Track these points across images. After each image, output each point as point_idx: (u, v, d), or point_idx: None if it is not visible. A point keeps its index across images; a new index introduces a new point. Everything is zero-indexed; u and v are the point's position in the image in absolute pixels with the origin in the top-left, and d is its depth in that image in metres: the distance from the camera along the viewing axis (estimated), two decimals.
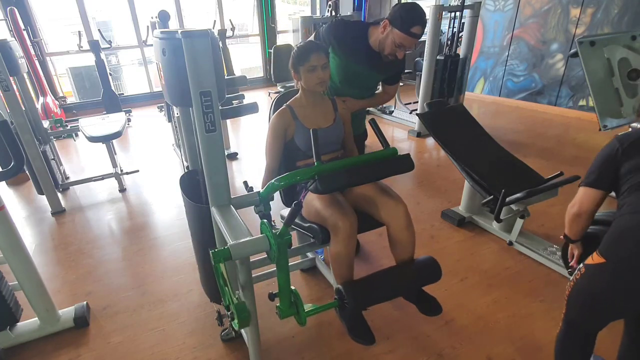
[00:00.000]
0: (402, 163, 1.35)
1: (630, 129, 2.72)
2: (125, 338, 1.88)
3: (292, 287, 1.38)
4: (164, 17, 4.16)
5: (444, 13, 4.08)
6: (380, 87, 2.19)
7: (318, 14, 7.58)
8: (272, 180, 1.37)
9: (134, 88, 7.26)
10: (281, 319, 1.39)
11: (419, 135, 4.56)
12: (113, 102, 5.11)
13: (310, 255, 2.28)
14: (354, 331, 1.46)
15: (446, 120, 2.49)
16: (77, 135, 4.83)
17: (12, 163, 1.57)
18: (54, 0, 6.63)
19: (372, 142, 4.42)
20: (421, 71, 4.41)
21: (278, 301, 1.38)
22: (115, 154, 3.52)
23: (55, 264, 2.52)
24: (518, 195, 2.12)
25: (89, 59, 5.34)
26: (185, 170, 1.87)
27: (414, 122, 4.74)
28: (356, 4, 6.95)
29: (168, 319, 1.99)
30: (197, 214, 1.59)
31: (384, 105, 5.62)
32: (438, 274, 1.49)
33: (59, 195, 3.29)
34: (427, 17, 1.77)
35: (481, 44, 5.81)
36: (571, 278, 1.25)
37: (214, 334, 1.86)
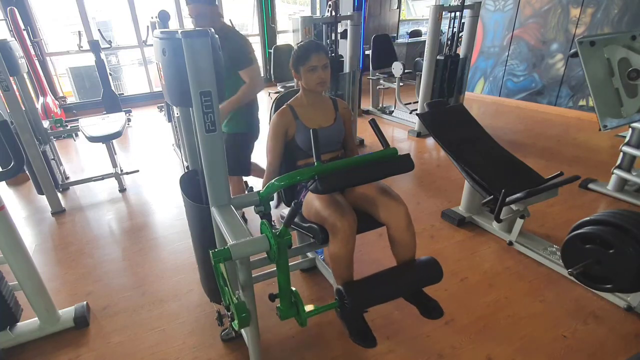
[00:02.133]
0: (402, 163, 1.35)
1: (630, 129, 2.73)
2: (125, 338, 1.88)
3: (293, 288, 1.37)
4: (164, 17, 4.15)
5: (444, 13, 4.08)
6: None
7: (318, 14, 7.59)
8: (272, 180, 1.37)
9: (134, 88, 7.26)
10: (282, 320, 1.38)
11: (419, 135, 4.56)
12: (113, 102, 5.11)
13: (310, 255, 2.28)
14: (354, 334, 1.45)
15: (446, 120, 2.49)
16: (77, 135, 4.83)
17: (12, 163, 1.57)
18: (54, 0, 6.64)
19: (372, 142, 4.43)
20: (421, 71, 4.41)
21: (278, 302, 1.37)
22: (115, 154, 3.52)
23: (55, 264, 2.52)
24: (518, 195, 2.12)
25: (89, 59, 5.34)
26: (185, 170, 1.87)
27: (414, 122, 4.74)
28: (356, 4, 6.95)
29: (168, 319, 1.99)
30: (197, 214, 1.59)
31: (384, 105, 5.63)
32: (439, 274, 1.48)
33: (59, 195, 3.29)
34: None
35: (481, 44, 5.81)
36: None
37: (214, 334, 1.86)
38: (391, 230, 1.52)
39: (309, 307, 1.41)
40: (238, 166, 2.43)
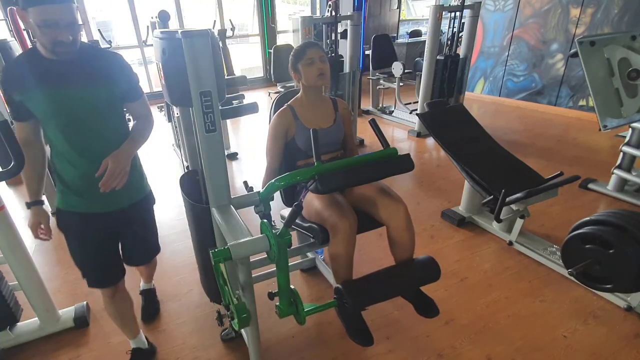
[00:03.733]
0: (402, 163, 1.34)
1: (630, 129, 2.73)
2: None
3: (292, 287, 1.37)
4: (164, 17, 4.16)
5: (444, 13, 4.08)
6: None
7: (318, 13, 7.59)
8: (272, 180, 1.37)
9: None
10: (280, 317, 1.39)
11: (419, 135, 4.56)
12: None
13: (310, 255, 2.28)
14: (352, 331, 1.46)
15: (446, 120, 2.49)
16: None
17: (12, 163, 1.57)
18: None
19: (372, 142, 4.43)
20: (421, 71, 4.42)
21: (277, 300, 1.38)
22: None
23: (55, 264, 2.52)
24: (518, 195, 2.12)
25: None
26: (185, 170, 1.87)
27: (414, 122, 4.74)
28: (356, 4, 6.95)
29: (168, 319, 1.99)
30: (197, 214, 1.59)
31: (384, 105, 5.62)
32: (437, 273, 1.48)
33: None
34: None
35: (481, 44, 5.81)
36: None
37: (214, 334, 1.86)
38: (391, 231, 1.53)
39: (307, 306, 1.41)
40: (157, 241, 1.74)
